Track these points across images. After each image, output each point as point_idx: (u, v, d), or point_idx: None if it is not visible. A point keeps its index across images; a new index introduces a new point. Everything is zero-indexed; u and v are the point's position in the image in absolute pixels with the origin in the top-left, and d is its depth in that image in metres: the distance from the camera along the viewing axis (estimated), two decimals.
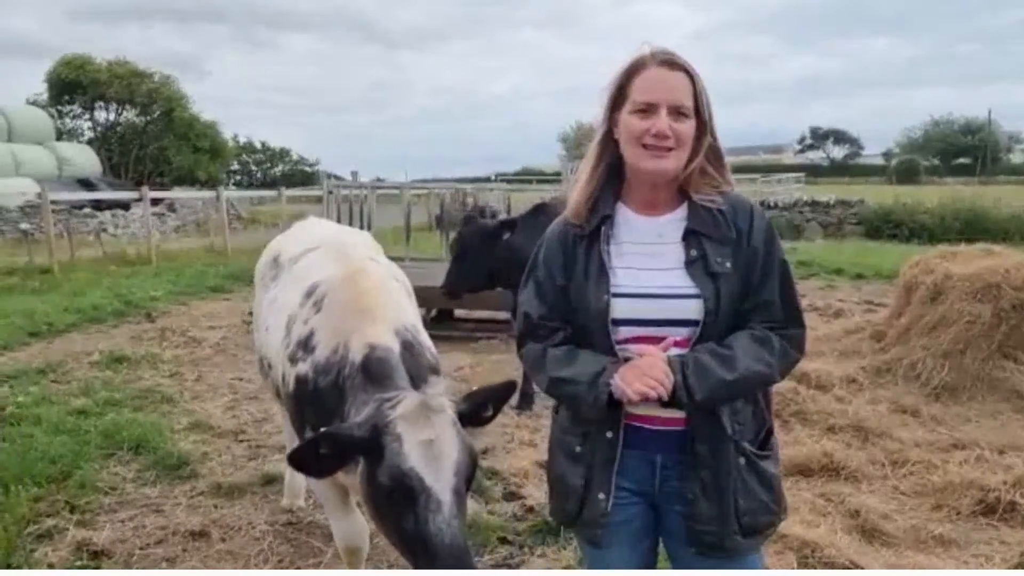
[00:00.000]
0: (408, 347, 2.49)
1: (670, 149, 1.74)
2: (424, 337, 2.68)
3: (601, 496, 1.85)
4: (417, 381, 2.39)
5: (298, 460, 1.93)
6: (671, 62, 1.77)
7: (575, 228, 1.88)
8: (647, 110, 1.74)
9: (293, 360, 2.64)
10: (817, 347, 6.85)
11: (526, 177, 41.10)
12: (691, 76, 1.76)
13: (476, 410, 2.06)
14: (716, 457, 1.77)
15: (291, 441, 4.11)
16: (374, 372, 2.29)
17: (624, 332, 1.80)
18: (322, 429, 2.07)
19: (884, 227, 19.78)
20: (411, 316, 2.79)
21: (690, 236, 1.79)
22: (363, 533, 2.92)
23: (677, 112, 1.74)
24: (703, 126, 1.78)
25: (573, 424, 1.91)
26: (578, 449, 1.89)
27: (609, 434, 1.83)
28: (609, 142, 1.86)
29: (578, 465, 1.89)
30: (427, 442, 1.86)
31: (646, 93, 1.75)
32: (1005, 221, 18.63)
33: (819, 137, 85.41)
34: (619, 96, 1.81)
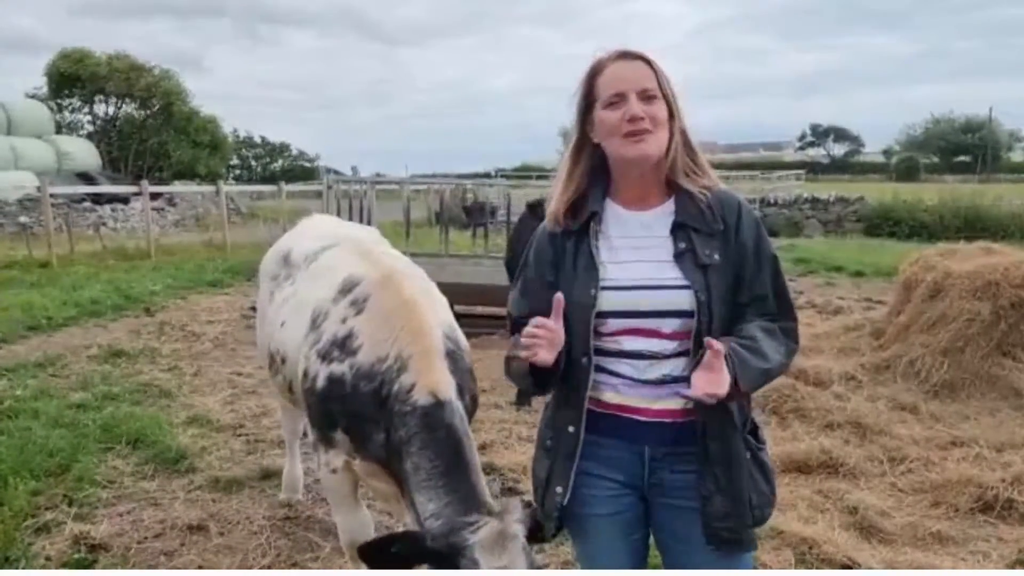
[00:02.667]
0: (452, 356, 2.53)
1: (648, 131, 1.78)
2: (460, 336, 2.71)
3: (559, 489, 1.87)
4: (462, 392, 2.46)
5: (369, 553, 2.01)
6: (627, 54, 1.83)
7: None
8: (618, 101, 1.79)
9: (326, 358, 2.60)
10: (816, 344, 6.87)
11: (526, 173, 41.09)
12: (650, 63, 1.82)
13: (534, 529, 2.08)
14: (728, 453, 1.78)
15: (291, 436, 4.05)
16: (442, 444, 2.29)
17: (615, 324, 1.81)
18: (400, 531, 2.20)
19: (884, 224, 19.80)
20: (448, 314, 2.80)
21: (678, 229, 1.82)
22: (368, 528, 2.91)
23: (645, 96, 1.78)
24: (670, 109, 1.82)
25: (551, 417, 1.95)
26: (549, 443, 1.93)
27: (571, 428, 1.86)
28: (586, 146, 1.90)
29: (546, 458, 1.93)
30: (500, 569, 1.97)
31: (612, 86, 1.80)
32: (1005, 219, 18.65)
33: (819, 134, 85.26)
34: (587, 100, 1.86)
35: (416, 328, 2.49)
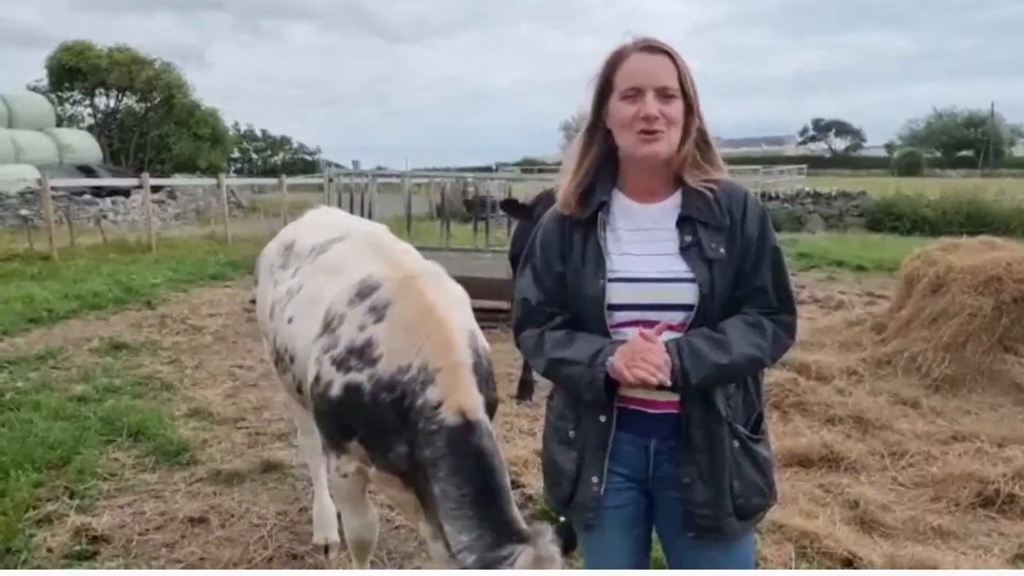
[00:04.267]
0: (477, 368, 2.40)
1: (661, 131, 1.76)
2: (481, 340, 2.58)
3: (594, 479, 1.86)
4: (485, 399, 2.35)
5: None
6: (652, 47, 1.80)
7: (570, 216, 1.90)
8: (634, 96, 1.77)
9: (342, 366, 2.47)
10: (818, 339, 6.86)
11: (527, 167, 41.06)
12: (673, 58, 1.79)
13: (567, 545, 2.05)
14: (711, 441, 1.79)
15: (315, 462, 3.61)
16: (473, 469, 2.18)
17: (620, 317, 1.81)
18: (444, 572, 2.12)
19: (886, 219, 19.78)
20: (470, 317, 2.67)
21: (684, 222, 1.81)
22: (375, 527, 2.85)
23: (663, 94, 1.76)
24: (690, 107, 1.80)
25: (567, 409, 1.93)
26: (571, 434, 1.91)
27: (602, 418, 1.84)
28: (598, 132, 1.88)
29: (571, 450, 1.90)
30: None
31: (631, 79, 1.78)
32: (1007, 214, 18.62)
33: (821, 129, 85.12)
34: (605, 87, 1.84)
35: (443, 340, 2.35)
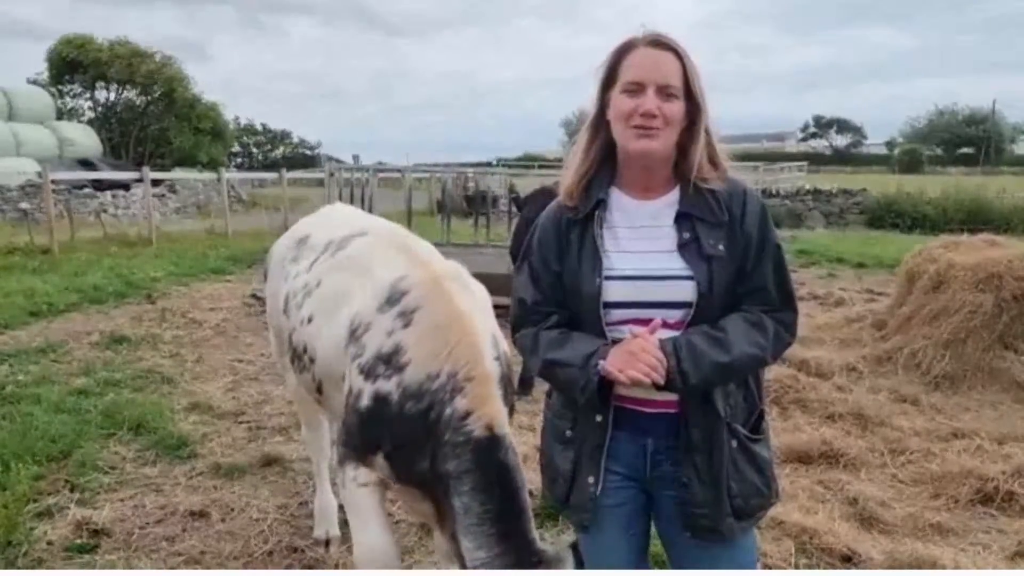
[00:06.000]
0: (501, 378, 2.34)
1: (658, 129, 1.74)
2: (503, 343, 2.47)
3: (590, 480, 1.86)
4: (505, 401, 2.31)
5: None
6: (660, 42, 1.77)
7: (569, 212, 1.88)
8: (635, 90, 1.75)
9: (370, 375, 2.39)
10: (818, 335, 6.87)
11: (528, 163, 41.08)
12: (680, 57, 1.76)
13: (580, 563, 2.06)
14: (709, 441, 1.78)
15: (318, 455, 3.66)
16: (496, 485, 2.13)
17: (618, 315, 1.80)
18: None
19: (887, 216, 19.76)
20: (492, 320, 2.55)
21: (682, 219, 1.80)
22: (391, 552, 2.54)
23: (665, 92, 1.74)
24: (697, 109, 1.77)
25: (565, 408, 1.93)
26: (568, 433, 1.90)
27: (599, 418, 1.84)
28: (602, 124, 1.86)
29: (568, 449, 1.90)
30: None
31: (634, 72, 1.76)
32: (1008, 212, 18.60)
33: (822, 126, 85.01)
34: (610, 77, 1.82)
35: (472, 347, 2.28)
